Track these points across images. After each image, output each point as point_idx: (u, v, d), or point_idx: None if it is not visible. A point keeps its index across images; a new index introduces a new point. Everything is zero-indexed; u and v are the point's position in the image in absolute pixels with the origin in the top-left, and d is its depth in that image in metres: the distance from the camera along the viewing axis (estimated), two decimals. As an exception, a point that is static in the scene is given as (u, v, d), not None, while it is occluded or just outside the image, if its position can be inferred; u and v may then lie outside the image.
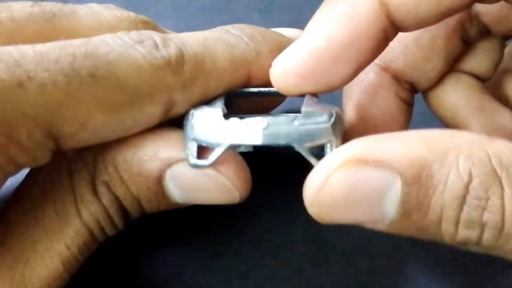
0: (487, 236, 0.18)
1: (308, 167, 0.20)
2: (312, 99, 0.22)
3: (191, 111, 0.21)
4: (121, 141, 0.21)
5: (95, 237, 0.22)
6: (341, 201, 0.19)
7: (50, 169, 0.21)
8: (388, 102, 0.26)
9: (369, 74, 0.26)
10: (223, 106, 0.21)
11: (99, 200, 0.21)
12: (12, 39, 0.20)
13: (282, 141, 0.20)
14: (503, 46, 0.27)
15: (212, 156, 0.20)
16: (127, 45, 0.20)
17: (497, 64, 0.27)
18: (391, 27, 0.22)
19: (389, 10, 0.22)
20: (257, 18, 0.38)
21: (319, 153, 0.20)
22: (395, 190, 0.18)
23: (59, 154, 0.21)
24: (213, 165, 0.21)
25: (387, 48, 0.23)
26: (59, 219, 0.21)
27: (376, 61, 0.25)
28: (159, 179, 0.21)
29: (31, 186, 0.21)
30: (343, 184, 0.19)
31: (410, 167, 0.18)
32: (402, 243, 0.28)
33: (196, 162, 0.21)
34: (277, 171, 0.28)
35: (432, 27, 0.25)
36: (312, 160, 0.20)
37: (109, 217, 0.22)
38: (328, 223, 0.19)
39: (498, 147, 0.18)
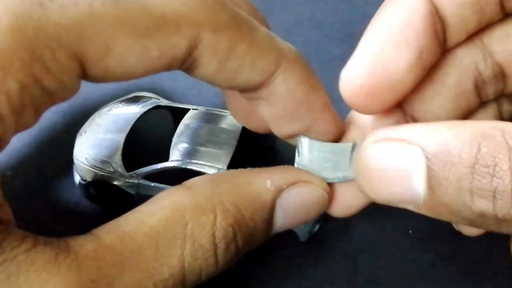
0: (500, 204, 0.19)
1: None
2: None
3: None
4: (236, 182, 0.23)
5: (185, 285, 0.22)
6: (378, 174, 0.22)
7: (166, 217, 0.22)
8: None
9: None
10: None
11: (215, 248, 0.22)
12: None
13: None
14: None
15: None
16: None
17: None
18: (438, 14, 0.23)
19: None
20: (257, 19, 0.38)
21: None
22: (421, 165, 0.20)
23: (179, 214, 0.22)
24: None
25: None
26: (155, 259, 0.21)
27: None
28: (272, 209, 0.23)
29: (134, 225, 0.21)
30: (376, 158, 0.22)
31: (432, 143, 0.20)
32: (402, 243, 0.29)
33: None
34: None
35: (446, 64, 0.25)
36: None
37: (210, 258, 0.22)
38: (378, 201, 0.22)
39: None
